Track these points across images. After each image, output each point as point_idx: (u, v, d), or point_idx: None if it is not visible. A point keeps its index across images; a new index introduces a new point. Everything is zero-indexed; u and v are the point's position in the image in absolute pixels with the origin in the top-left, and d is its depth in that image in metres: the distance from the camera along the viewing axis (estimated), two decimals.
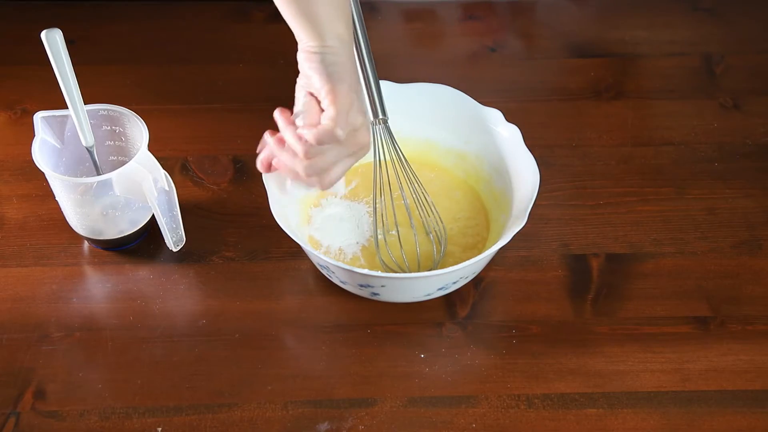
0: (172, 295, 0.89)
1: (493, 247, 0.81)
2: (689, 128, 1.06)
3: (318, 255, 0.81)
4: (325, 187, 0.79)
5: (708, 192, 0.99)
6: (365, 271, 0.79)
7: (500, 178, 0.91)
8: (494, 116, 0.91)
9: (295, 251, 0.92)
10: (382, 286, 0.82)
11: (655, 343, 0.86)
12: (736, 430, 0.81)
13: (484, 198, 0.94)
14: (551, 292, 0.90)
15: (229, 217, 0.96)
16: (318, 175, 0.78)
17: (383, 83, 0.92)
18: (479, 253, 0.82)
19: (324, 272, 0.87)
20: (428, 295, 0.85)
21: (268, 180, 0.84)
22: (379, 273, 0.80)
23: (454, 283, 0.84)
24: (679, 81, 1.12)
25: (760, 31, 1.19)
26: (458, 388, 0.83)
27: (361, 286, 0.83)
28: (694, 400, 0.82)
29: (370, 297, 0.86)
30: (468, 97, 0.92)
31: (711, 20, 1.20)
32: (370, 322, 0.87)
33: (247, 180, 0.99)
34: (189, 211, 0.95)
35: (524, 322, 0.88)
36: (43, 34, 0.81)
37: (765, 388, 0.83)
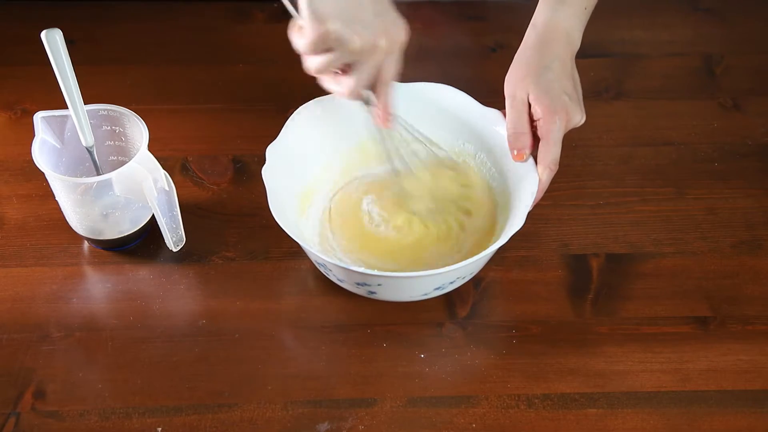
0: (172, 295, 0.89)
1: (491, 247, 0.81)
2: (689, 128, 1.06)
3: (316, 253, 0.81)
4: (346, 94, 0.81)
5: (708, 192, 0.99)
6: (362, 269, 0.79)
7: (500, 178, 0.91)
8: (494, 116, 0.91)
9: (295, 251, 0.92)
10: (379, 284, 0.82)
11: (655, 343, 0.86)
12: (736, 430, 0.81)
13: (484, 198, 0.94)
14: (551, 292, 0.90)
15: (229, 217, 0.96)
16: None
17: None
18: (478, 253, 0.82)
19: (322, 270, 0.87)
20: (425, 294, 0.85)
21: (267, 176, 0.84)
22: (376, 272, 0.80)
23: (451, 283, 0.84)
24: (679, 81, 1.12)
25: (760, 31, 1.19)
26: (458, 388, 0.83)
27: (358, 284, 0.83)
28: (694, 400, 0.82)
29: (367, 295, 0.85)
30: (468, 96, 0.92)
31: (711, 20, 1.20)
32: (370, 322, 0.87)
33: (247, 180, 0.99)
34: (189, 211, 0.95)
35: (524, 322, 0.88)
36: (43, 34, 0.81)
37: (765, 388, 0.83)
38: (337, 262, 0.80)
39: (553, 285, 0.91)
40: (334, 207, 0.93)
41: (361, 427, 0.80)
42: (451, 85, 0.93)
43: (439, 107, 0.93)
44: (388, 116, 0.86)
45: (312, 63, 0.79)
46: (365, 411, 0.81)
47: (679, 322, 0.88)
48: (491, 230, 0.90)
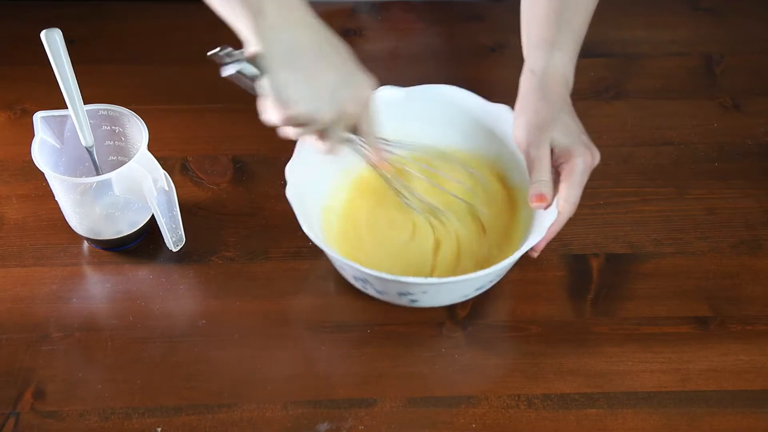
0: (172, 295, 0.89)
1: (527, 242, 0.81)
2: (689, 128, 1.06)
3: (359, 268, 0.80)
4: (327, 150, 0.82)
5: (708, 192, 0.99)
6: (410, 279, 0.78)
7: (517, 172, 0.91)
8: (501, 112, 0.91)
9: (295, 251, 0.92)
10: (424, 292, 0.82)
11: (655, 343, 0.86)
12: (736, 430, 0.81)
13: (504, 193, 0.93)
14: (551, 292, 0.90)
15: (228, 217, 0.96)
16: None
17: (388, 88, 0.92)
18: (506, 247, 0.81)
19: (359, 284, 0.85)
20: (466, 296, 0.85)
21: (291, 197, 0.83)
22: (423, 279, 0.78)
23: (491, 281, 0.84)
24: (679, 81, 1.12)
25: (760, 31, 1.19)
26: (458, 388, 0.83)
27: (401, 294, 0.83)
28: (694, 400, 0.82)
29: (408, 304, 0.84)
30: (473, 94, 0.92)
31: (711, 20, 1.20)
32: (370, 322, 0.87)
33: (247, 180, 0.99)
34: (189, 211, 0.95)
35: (524, 322, 0.88)
36: (43, 34, 0.81)
37: (765, 388, 0.83)
38: (382, 275, 0.79)
39: (553, 285, 0.91)
40: (356, 215, 0.93)
41: (361, 427, 0.80)
42: (451, 85, 0.93)
43: (448, 108, 0.93)
44: (381, 160, 0.86)
45: (287, 133, 0.80)
46: (365, 411, 0.81)
47: (679, 322, 0.88)
48: (511, 228, 0.91)
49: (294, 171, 0.86)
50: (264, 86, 0.75)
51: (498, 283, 0.90)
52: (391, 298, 0.84)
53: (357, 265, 0.80)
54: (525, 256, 0.92)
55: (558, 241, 0.94)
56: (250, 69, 0.75)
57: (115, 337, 0.86)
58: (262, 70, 0.75)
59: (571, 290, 0.90)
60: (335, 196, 0.93)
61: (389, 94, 0.92)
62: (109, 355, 0.85)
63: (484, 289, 0.85)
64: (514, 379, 0.83)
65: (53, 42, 0.81)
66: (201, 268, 0.91)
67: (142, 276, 0.91)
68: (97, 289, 0.90)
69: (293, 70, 0.75)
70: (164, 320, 0.87)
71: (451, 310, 0.88)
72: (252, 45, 0.75)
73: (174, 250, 0.91)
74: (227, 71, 0.76)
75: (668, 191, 0.99)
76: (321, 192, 0.91)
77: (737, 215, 0.97)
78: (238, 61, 0.75)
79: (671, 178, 1.00)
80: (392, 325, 0.87)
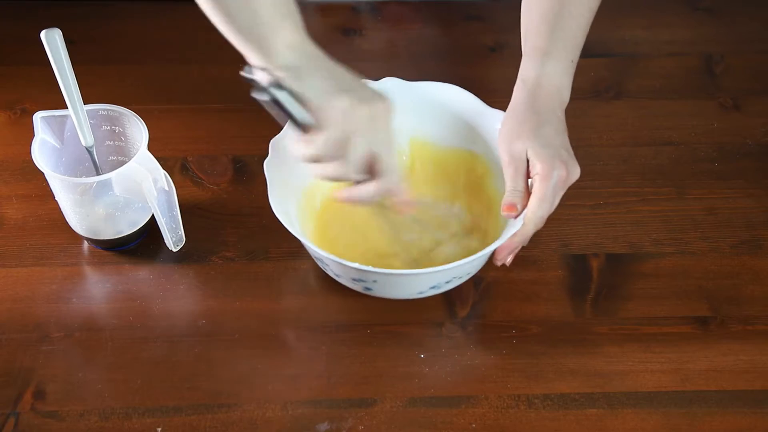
0: (172, 295, 0.89)
1: (487, 248, 0.81)
2: (689, 128, 1.06)
3: (312, 247, 0.81)
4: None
5: (708, 192, 0.99)
6: (356, 265, 0.79)
7: (503, 178, 0.91)
8: (499, 117, 0.91)
9: (295, 251, 0.92)
10: (374, 281, 0.82)
11: (655, 343, 0.86)
12: (736, 430, 0.81)
13: (489, 198, 0.93)
14: (551, 292, 0.90)
15: (229, 217, 0.96)
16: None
17: (389, 80, 0.92)
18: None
19: (320, 264, 0.86)
20: (421, 293, 0.85)
21: (268, 169, 0.84)
22: (370, 268, 0.79)
23: (447, 282, 0.84)
24: (679, 81, 1.12)
25: (760, 31, 1.19)
26: (458, 388, 0.83)
27: (355, 280, 0.83)
28: (694, 400, 0.82)
29: (363, 292, 0.85)
30: (474, 96, 0.92)
31: (711, 20, 1.20)
32: (370, 322, 0.87)
33: (247, 180, 0.99)
34: (189, 211, 0.95)
35: (524, 322, 0.88)
36: (43, 34, 0.81)
37: (765, 388, 0.83)
38: (333, 257, 0.80)
39: (553, 285, 0.91)
40: (335, 201, 0.92)
41: (360, 427, 0.80)
42: (451, 84, 0.93)
43: (445, 106, 0.93)
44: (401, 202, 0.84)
45: (327, 170, 0.78)
46: (365, 411, 0.81)
47: (679, 322, 0.88)
48: (494, 231, 0.90)
49: (279, 145, 0.86)
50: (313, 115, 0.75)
51: (498, 283, 0.90)
52: (348, 282, 0.85)
53: (311, 245, 0.80)
54: (522, 258, 0.92)
55: (558, 241, 0.94)
56: (288, 98, 0.75)
57: (115, 337, 0.86)
58: (296, 88, 0.74)
59: (571, 290, 0.90)
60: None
61: (388, 85, 0.92)
62: (109, 355, 0.85)
63: (441, 289, 0.85)
64: (514, 379, 0.83)
65: (53, 42, 0.81)
66: (201, 268, 0.91)
67: (142, 276, 0.91)
68: (97, 289, 0.90)
69: (321, 76, 0.75)
70: (164, 320, 0.87)
71: (451, 310, 0.88)
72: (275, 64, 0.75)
73: (174, 250, 0.91)
74: (261, 96, 0.75)
75: (668, 191, 0.99)
76: (303, 172, 0.90)
77: (737, 215, 0.97)
78: (276, 87, 0.74)
79: (671, 178, 1.00)
80: (392, 325, 0.87)
